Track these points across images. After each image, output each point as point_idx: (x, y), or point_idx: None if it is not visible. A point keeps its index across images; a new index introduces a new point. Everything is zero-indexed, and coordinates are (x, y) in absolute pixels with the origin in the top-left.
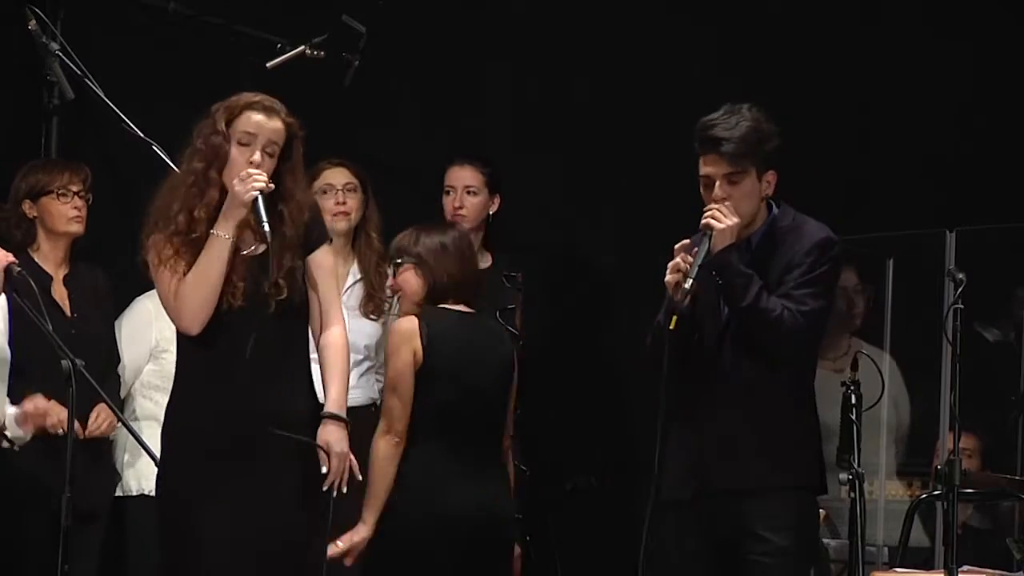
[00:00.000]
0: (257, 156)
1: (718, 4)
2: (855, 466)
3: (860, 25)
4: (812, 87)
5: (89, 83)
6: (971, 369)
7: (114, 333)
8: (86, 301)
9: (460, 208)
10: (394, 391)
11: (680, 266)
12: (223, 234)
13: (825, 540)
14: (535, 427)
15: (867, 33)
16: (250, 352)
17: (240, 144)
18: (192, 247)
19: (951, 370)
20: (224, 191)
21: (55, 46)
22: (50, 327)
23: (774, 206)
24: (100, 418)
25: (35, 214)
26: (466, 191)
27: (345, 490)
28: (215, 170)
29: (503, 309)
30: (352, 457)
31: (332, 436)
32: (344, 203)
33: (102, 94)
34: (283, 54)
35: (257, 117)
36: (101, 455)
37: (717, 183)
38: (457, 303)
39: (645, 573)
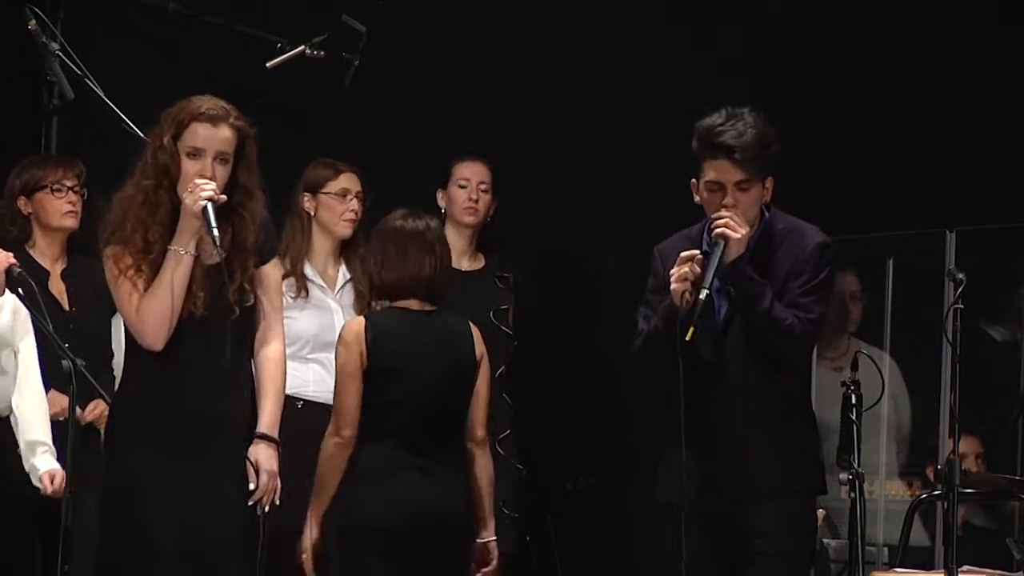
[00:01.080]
0: (208, 170)
1: (719, 5)
2: (855, 466)
3: (861, 25)
4: (812, 87)
5: (89, 83)
6: (971, 369)
7: (110, 328)
8: (84, 295)
9: (476, 202)
10: (342, 393)
11: (688, 275)
12: (181, 249)
13: (825, 540)
14: (534, 427)
15: (868, 33)
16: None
17: (189, 157)
18: (152, 262)
19: (951, 370)
20: (178, 205)
21: (55, 46)
22: (51, 327)
23: (765, 210)
24: (99, 410)
25: (30, 210)
26: (480, 187)
27: (268, 509)
28: (164, 188)
29: (496, 310)
30: (279, 480)
31: (262, 455)
32: (357, 211)
33: (102, 94)
34: (283, 54)
35: (203, 130)
36: (99, 441)
37: (728, 190)
38: (409, 300)
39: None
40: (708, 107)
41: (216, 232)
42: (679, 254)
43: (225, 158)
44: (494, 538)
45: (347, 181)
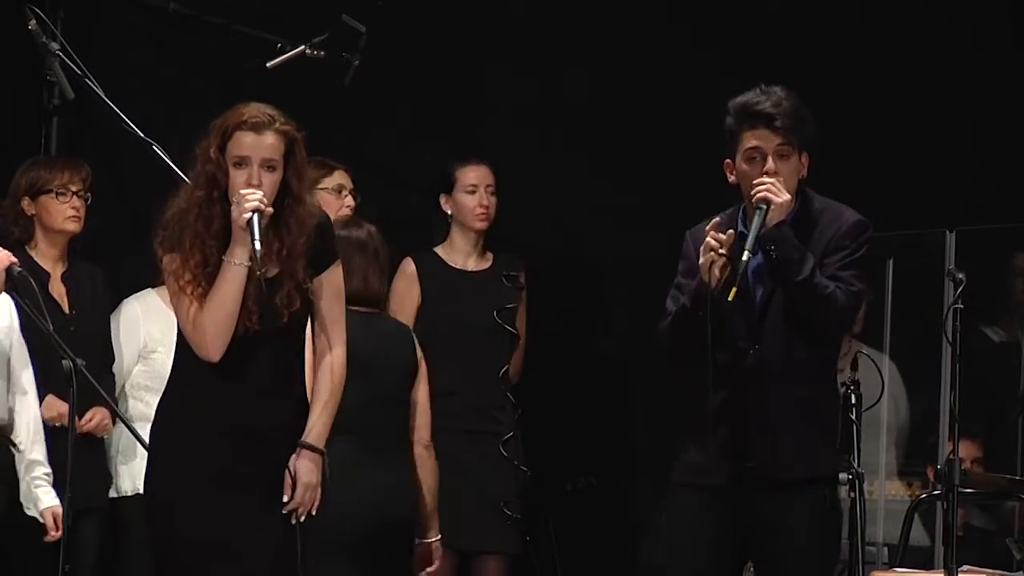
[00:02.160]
0: (255, 178)
1: (719, 5)
2: (855, 466)
3: (860, 25)
4: (812, 87)
5: (89, 83)
6: (971, 369)
7: (111, 331)
8: (84, 298)
9: (487, 207)
10: None
11: (712, 246)
12: (235, 261)
13: None
14: (534, 428)
15: (867, 33)
16: (258, 370)
17: (236, 167)
18: (210, 276)
19: (951, 370)
20: (231, 216)
21: (55, 46)
22: (50, 327)
23: (802, 188)
24: (96, 419)
25: (33, 212)
26: (488, 189)
27: (303, 519)
28: (216, 199)
29: (502, 308)
30: (319, 492)
31: (303, 466)
32: (351, 207)
33: (102, 94)
34: (283, 54)
35: (247, 138)
36: (97, 452)
37: (769, 157)
38: (355, 306)
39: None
40: (707, 105)
41: (258, 245)
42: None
43: (272, 165)
44: (439, 538)
45: (341, 177)
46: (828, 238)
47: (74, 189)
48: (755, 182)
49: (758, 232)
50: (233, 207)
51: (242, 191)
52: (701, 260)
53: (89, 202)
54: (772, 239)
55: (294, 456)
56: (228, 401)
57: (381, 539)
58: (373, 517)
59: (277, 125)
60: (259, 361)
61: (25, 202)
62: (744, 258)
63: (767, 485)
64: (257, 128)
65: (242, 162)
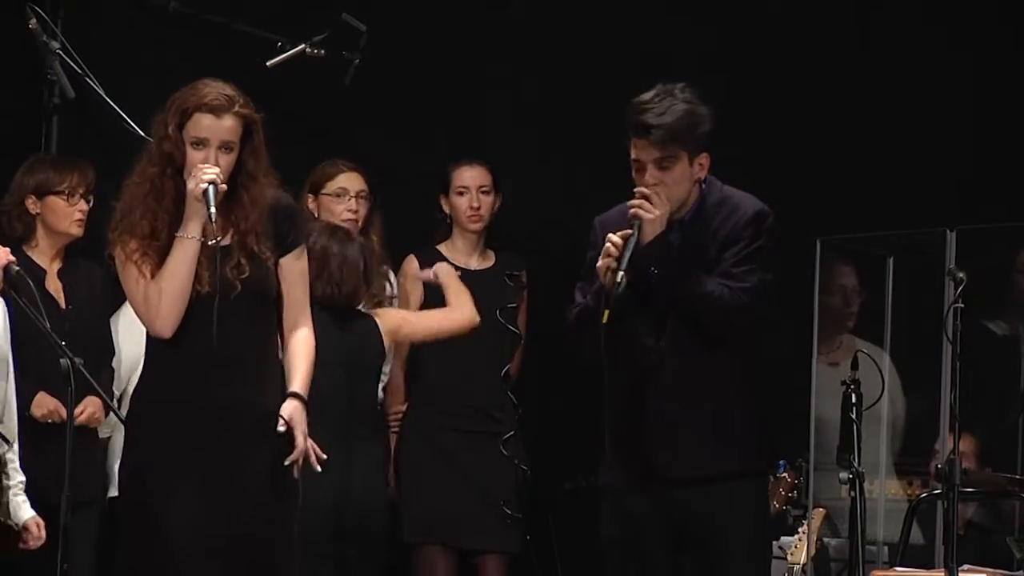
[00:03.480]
0: (213, 159)
1: (719, 6)
2: (855, 465)
3: (861, 24)
4: (812, 87)
5: (89, 82)
6: (973, 366)
7: (109, 326)
8: (81, 294)
9: (479, 208)
10: None
11: (611, 252)
12: (189, 235)
13: (825, 539)
14: (535, 427)
15: (868, 32)
16: (216, 339)
17: (194, 147)
18: (158, 248)
19: (951, 370)
20: (183, 192)
21: (55, 45)
22: (47, 326)
23: (702, 185)
24: (87, 411)
25: (38, 211)
26: (480, 191)
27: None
28: (169, 175)
29: (504, 308)
30: (312, 442)
31: (296, 413)
32: (356, 211)
33: (102, 93)
34: (283, 53)
35: (207, 120)
36: (95, 446)
37: (648, 167)
38: (335, 306)
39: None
40: (709, 105)
41: (214, 210)
42: (618, 226)
43: (229, 146)
44: None
45: (346, 180)
46: (726, 233)
47: (81, 192)
48: (633, 192)
49: (632, 252)
50: (189, 180)
51: (200, 164)
52: (599, 263)
53: (91, 204)
54: (648, 255)
55: (285, 403)
56: (191, 377)
57: (349, 536)
58: (342, 515)
59: (236, 108)
60: (219, 337)
61: (30, 200)
62: (618, 279)
63: (676, 485)
64: (216, 111)
65: (200, 143)
